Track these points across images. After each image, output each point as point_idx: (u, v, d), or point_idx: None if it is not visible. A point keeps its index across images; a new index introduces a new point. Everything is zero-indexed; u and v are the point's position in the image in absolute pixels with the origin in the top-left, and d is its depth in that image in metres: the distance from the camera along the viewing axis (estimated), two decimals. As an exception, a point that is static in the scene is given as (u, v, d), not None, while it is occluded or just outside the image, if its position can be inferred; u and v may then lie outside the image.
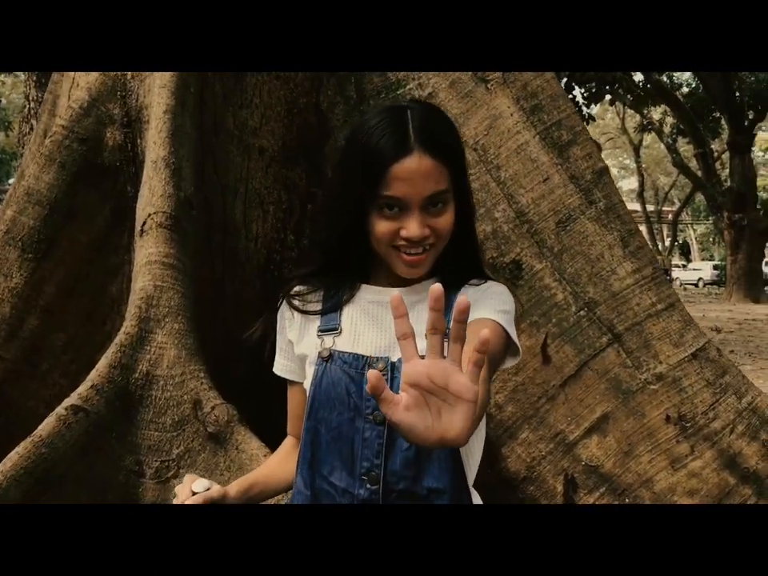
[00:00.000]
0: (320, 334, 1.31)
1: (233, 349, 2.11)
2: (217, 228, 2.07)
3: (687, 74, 22.62)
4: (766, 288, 21.20)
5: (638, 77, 16.23)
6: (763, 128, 34.21)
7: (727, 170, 20.30)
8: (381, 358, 1.24)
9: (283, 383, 1.45)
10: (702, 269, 35.93)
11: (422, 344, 0.83)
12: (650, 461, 2.11)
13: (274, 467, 1.41)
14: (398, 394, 0.81)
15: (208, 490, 1.19)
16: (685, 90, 21.37)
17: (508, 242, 2.21)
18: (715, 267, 34.98)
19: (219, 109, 2.08)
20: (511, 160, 2.23)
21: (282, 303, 1.38)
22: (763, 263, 21.89)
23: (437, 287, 0.78)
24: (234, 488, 1.29)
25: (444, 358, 0.81)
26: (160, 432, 1.52)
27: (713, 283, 33.10)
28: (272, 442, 1.57)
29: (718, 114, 19.41)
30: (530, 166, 2.22)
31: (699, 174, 20.04)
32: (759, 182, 25.84)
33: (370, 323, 1.30)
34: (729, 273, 19.63)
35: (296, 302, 1.35)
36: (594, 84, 10.70)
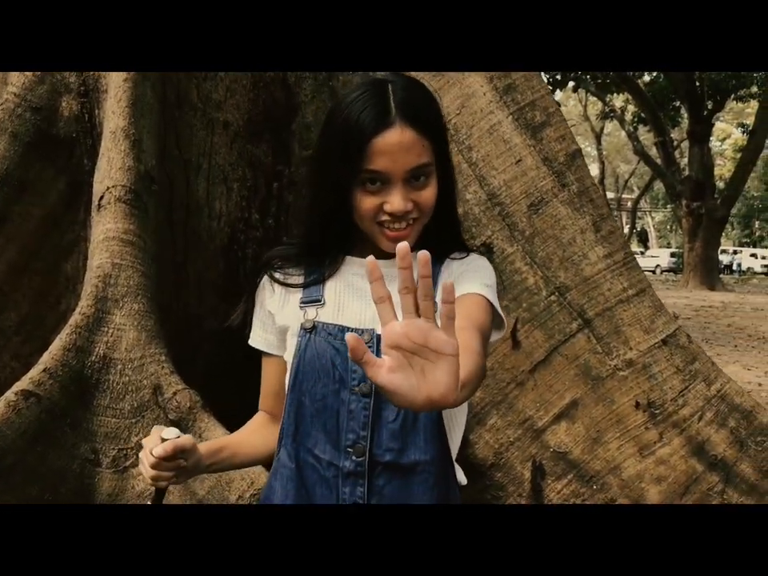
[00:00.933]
0: (302, 305, 1.29)
1: (196, 332, 2.04)
2: (178, 206, 1.98)
3: (649, 63, 22.80)
4: (721, 276, 21.63)
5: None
6: (721, 118, 34.80)
7: (686, 159, 20.57)
8: (365, 329, 1.23)
9: (250, 367, 1.40)
10: (660, 256, 36.46)
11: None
12: (618, 447, 2.10)
13: (244, 437, 1.38)
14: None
15: (178, 438, 1.15)
16: (646, 78, 21.57)
17: (479, 225, 2.17)
18: (672, 254, 35.52)
19: (182, 80, 1.99)
20: (483, 140, 2.18)
21: (262, 277, 1.35)
22: (719, 251, 22.30)
23: (402, 246, 0.78)
24: (204, 446, 1.26)
25: (419, 317, 0.80)
26: (117, 419, 1.43)
27: (670, 270, 33.65)
28: (237, 428, 1.51)
29: (678, 104, 19.64)
30: (502, 147, 2.18)
31: (659, 162, 20.27)
32: (716, 171, 26.27)
33: (355, 295, 1.28)
34: (686, 260, 19.95)
35: (277, 275, 1.33)
36: (558, 71, 10.70)
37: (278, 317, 1.33)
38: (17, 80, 1.85)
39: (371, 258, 0.80)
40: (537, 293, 2.13)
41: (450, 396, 0.78)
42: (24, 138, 1.84)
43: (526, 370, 2.13)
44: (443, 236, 1.31)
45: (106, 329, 1.45)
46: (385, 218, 1.20)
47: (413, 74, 2.12)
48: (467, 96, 2.20)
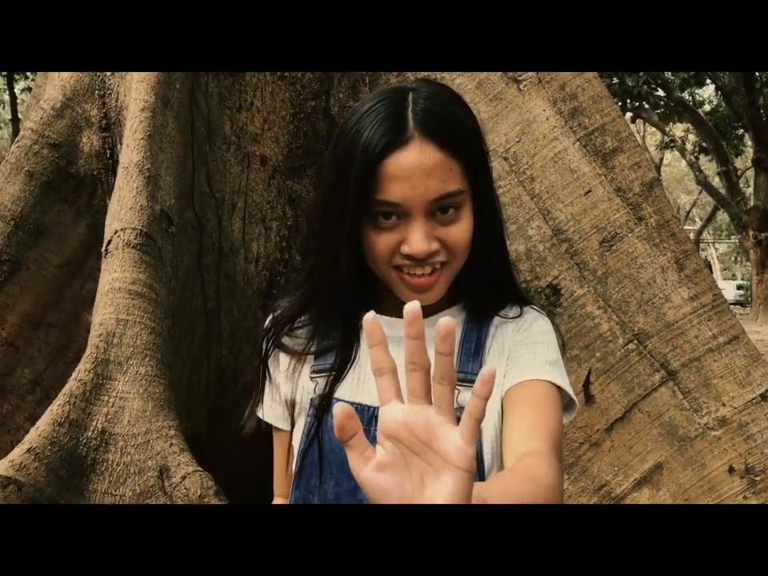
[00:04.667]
0: (314, 375, 1.06)
1: (230, 388, 1.84)
2: (209, 248, 1.81)
3: (710, 91, 22.39)
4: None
5: (659, 93, 16.02)
6: (786, 146, 33.81)
7: (750, 188, 19.96)
8: None
9: None
10: (726, 288, 35.28)
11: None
12: (711, 519, 1.82)
13: None
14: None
15: None
16: (707, 107, 21.08)
17: (544, 264, 1.95)
18: (739, 287, 34.44)
19: (214, 111, 1.83)
20: (547, 170, 1.98)
21: (268, 343, 1.11)
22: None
23: (411, 308, 0.60)
24: None
25: (429, 403, 0.61)
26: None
27: (737, 303, 32.52)
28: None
29: (742, 132, 19.12)
30: (569, 177, 1.97)
31: (722, 192, 19.68)
32: (783, 200, 25.39)
33: None
34: (755, 293, 19.22)
35: (284, 340, 1.09)
36: (618, 100, 10.45)
37: (284, 389, 1.09)
38: (34, 115, 1.70)
39: (370, 314, 0.62)
40: (612, 340, 1.90)
41: None
42: (41, 177, 1.69)
43: (602, 429, 1.91)
44: (491, 287, 1.06)
45: (106, 398, 1.22)
46: (403, 261, 0.95)
47: (455, 75, 1.96)
48: (528, 121, 1.99)
